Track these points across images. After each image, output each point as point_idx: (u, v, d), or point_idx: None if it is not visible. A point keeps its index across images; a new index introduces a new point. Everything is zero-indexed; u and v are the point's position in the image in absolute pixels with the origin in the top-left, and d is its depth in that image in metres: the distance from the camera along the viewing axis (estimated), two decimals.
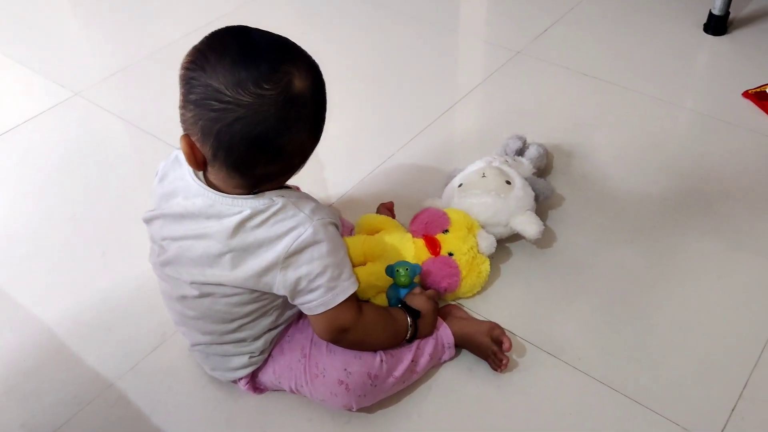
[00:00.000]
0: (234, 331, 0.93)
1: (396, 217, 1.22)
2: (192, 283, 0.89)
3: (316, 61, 0.83)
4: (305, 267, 0.85)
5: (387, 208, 1.24)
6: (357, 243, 1.10)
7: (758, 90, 1.55)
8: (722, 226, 1.26)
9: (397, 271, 1.05)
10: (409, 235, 1.13)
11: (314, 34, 1.80)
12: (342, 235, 1.11)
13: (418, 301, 1.02)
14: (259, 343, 0.96)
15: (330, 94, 0.85)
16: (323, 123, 0.85)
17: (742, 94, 1.55)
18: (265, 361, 0.99)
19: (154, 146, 1.50)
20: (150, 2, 2.02)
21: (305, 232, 0.84)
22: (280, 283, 0.86)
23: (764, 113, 1.50)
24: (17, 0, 2.03)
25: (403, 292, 1.05)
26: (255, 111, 0.77)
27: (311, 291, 0.87)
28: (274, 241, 0.84)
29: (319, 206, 0.88)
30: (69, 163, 1.48)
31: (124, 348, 1.10)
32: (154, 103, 1.61)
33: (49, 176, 1.45)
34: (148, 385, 1.05)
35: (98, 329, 1.13)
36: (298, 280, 0.86)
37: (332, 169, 1.41)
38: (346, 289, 0.88)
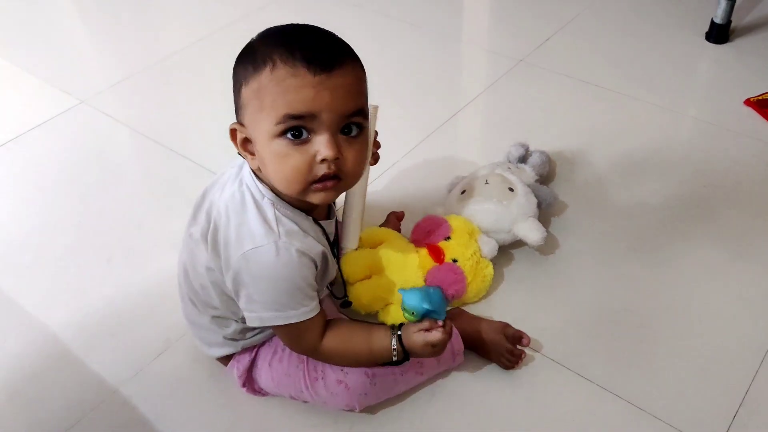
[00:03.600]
0: (209, 306, 0.95)
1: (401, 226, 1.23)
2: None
3: None
4: (252, 281, 0.85)
5: (397, 218, 1.22)
6: (360, 257, 1.09)
7: (760, 98, 1.56)
8: (725, 233, 1.26)
9: (405, 312, 0.98)
10: (412, 246, 1.13)
11: None
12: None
13: (413, 341, 0.91)
14: (230, 330, 0.97)
15: None
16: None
17: (744, 102, 1.56)
18: (255, 362, 1.00)
19: (160, 154, 1.50)
20: (156, 11, 2.03)
21: (267, 246, 0.83)
22: (228, 279, 0.87)
23: (766, 121, 1.50)
24: (24, 8, 2.05)
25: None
26: None
27: (252, 302, 0.87)
28: (241, 239, 0.84)
29: (298, 233, 0.86)
30: (75, 171, 1.49)
31: (128, 354, 1.10)
32: (160, 111, 1.62)
33: (55, 183, 1.46)
34: (152, 390, 1.05)
35: (103, 335, 1.14)
36: (240, 286, 0.86)
37: None
38: (288, 318, 0.86)
